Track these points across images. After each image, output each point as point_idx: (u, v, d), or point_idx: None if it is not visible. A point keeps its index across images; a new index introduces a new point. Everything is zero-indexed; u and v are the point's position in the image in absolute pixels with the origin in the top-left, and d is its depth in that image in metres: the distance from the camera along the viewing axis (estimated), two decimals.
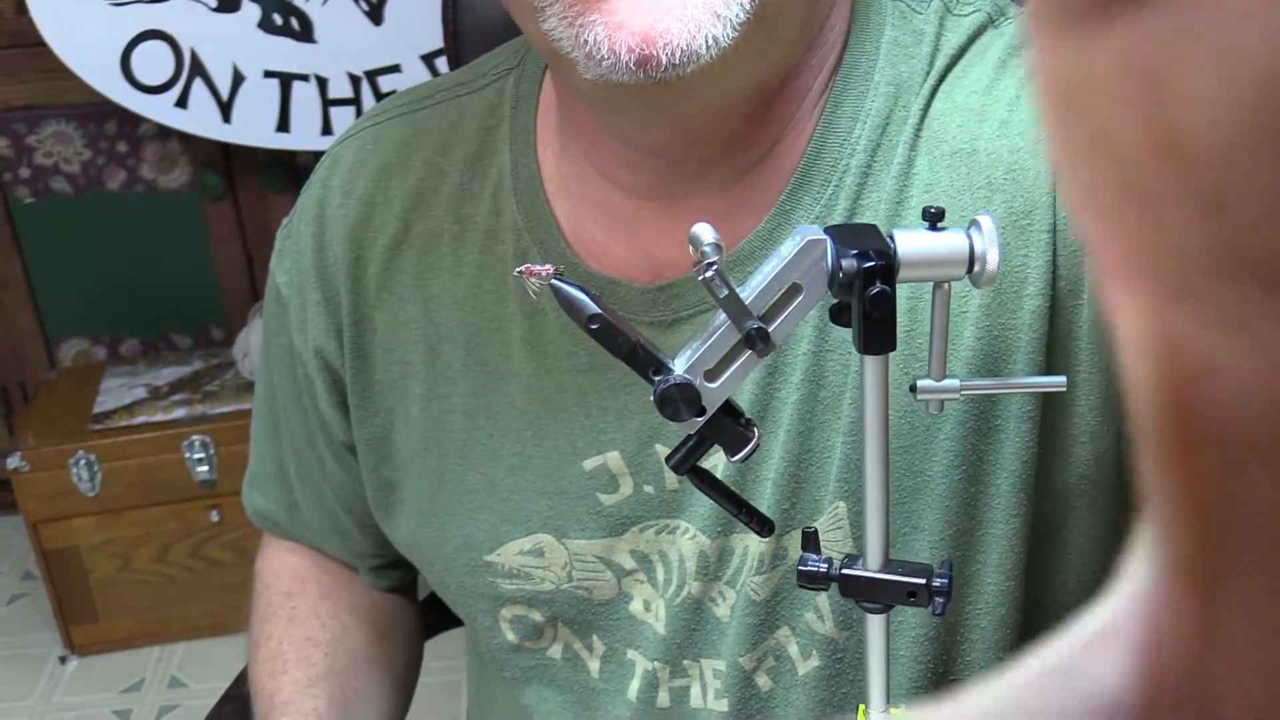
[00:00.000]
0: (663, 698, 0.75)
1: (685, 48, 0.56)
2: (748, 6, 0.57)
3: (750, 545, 0.70)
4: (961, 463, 0.66)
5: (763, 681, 0.73)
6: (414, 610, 0.98)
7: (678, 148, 0.66)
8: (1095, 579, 0.70)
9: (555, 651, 0.78)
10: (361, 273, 0.78)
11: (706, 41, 0.56)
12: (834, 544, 0.68)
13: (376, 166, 0.79)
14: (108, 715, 2.09)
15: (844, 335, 0.65)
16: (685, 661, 0.74)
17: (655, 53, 0.56)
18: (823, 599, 0.70)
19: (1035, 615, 0.71)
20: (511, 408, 0.74)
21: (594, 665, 0.77)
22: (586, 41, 0.57)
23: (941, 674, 0.70)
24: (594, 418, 0.72)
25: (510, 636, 0.78)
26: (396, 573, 0.93)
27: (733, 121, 0.65)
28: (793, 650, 0.72)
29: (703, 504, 0.71)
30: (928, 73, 0.67)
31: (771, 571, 0.70)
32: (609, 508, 0.73)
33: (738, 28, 0.57)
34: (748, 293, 0.52)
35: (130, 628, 2.21)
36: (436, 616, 1.05)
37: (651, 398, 0.54)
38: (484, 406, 0.75)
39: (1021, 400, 0.64)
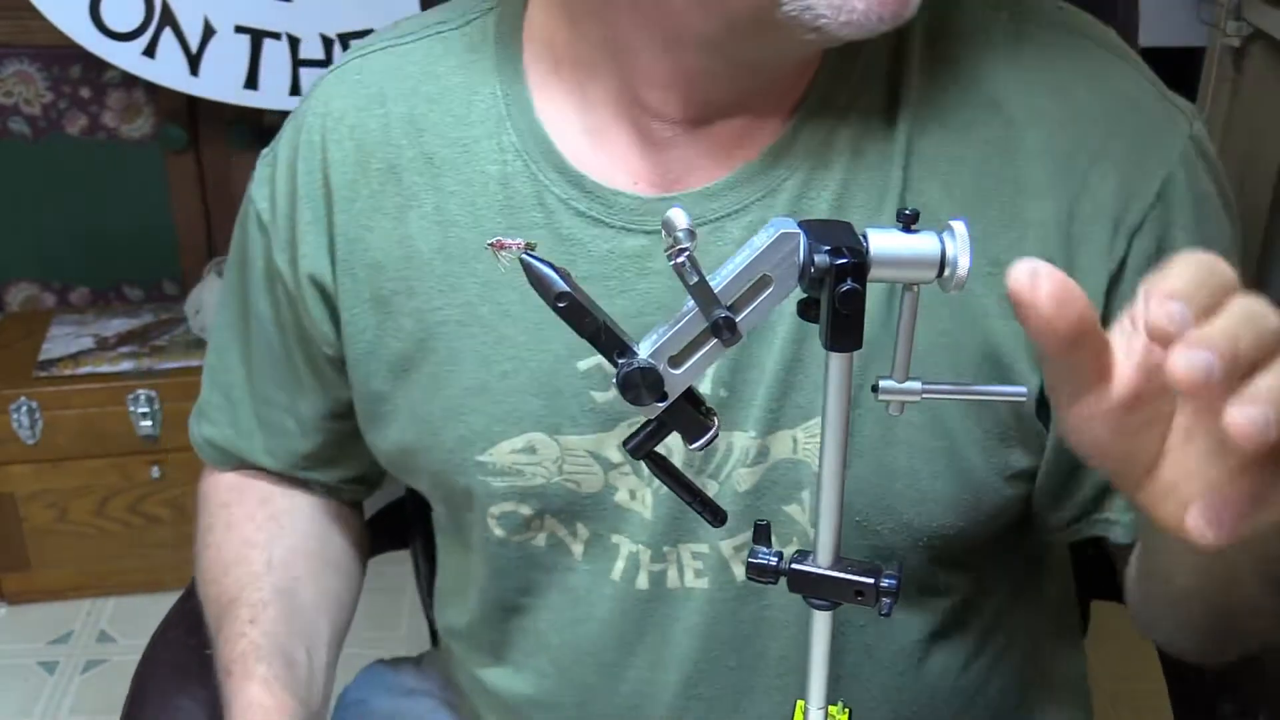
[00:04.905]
0: (641, 579, 0.78)
1: None
2: None
3: (735, 441, 0.74)
4: None
5: (739, 571, 0.76)
6: (358, 519, 0.99)
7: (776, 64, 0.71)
8: None
9: (540, 540, 0.80)
10: (355, 195, 0.80)
11: None
12: (810, 453, 0.73)
13: (367, 95, 0.81)
14: (33, 666, 2.07)
15: None
16: (665, 548, 0.77)
17: (905, 11, 0.64)
18: (807, 494, 0.74)
19: None
20: (506, 315, 0.76)
21: (578, 549, 0.80)
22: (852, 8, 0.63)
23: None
24: None
25: (498, 532, 0.81)
26: (355, 487, 0.96)
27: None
28: (774, 539, 0.74)
29: None
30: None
31: (755, 466, 0.74)
32: (602, 404, 0.75)
33: None
34: (718, 281, 0.52)
35: (62, 579, 2.18)
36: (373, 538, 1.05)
37: (614, 380, 0.53)
38: (478, 316, 0.77)
39: None
